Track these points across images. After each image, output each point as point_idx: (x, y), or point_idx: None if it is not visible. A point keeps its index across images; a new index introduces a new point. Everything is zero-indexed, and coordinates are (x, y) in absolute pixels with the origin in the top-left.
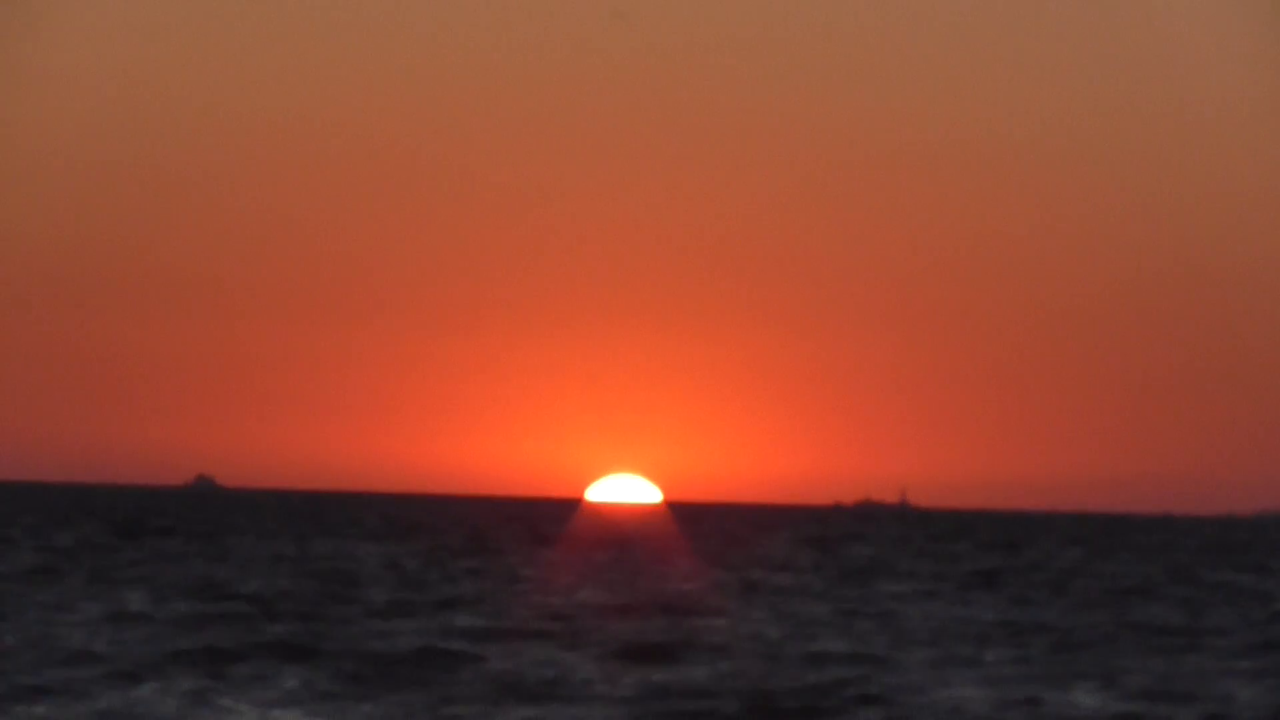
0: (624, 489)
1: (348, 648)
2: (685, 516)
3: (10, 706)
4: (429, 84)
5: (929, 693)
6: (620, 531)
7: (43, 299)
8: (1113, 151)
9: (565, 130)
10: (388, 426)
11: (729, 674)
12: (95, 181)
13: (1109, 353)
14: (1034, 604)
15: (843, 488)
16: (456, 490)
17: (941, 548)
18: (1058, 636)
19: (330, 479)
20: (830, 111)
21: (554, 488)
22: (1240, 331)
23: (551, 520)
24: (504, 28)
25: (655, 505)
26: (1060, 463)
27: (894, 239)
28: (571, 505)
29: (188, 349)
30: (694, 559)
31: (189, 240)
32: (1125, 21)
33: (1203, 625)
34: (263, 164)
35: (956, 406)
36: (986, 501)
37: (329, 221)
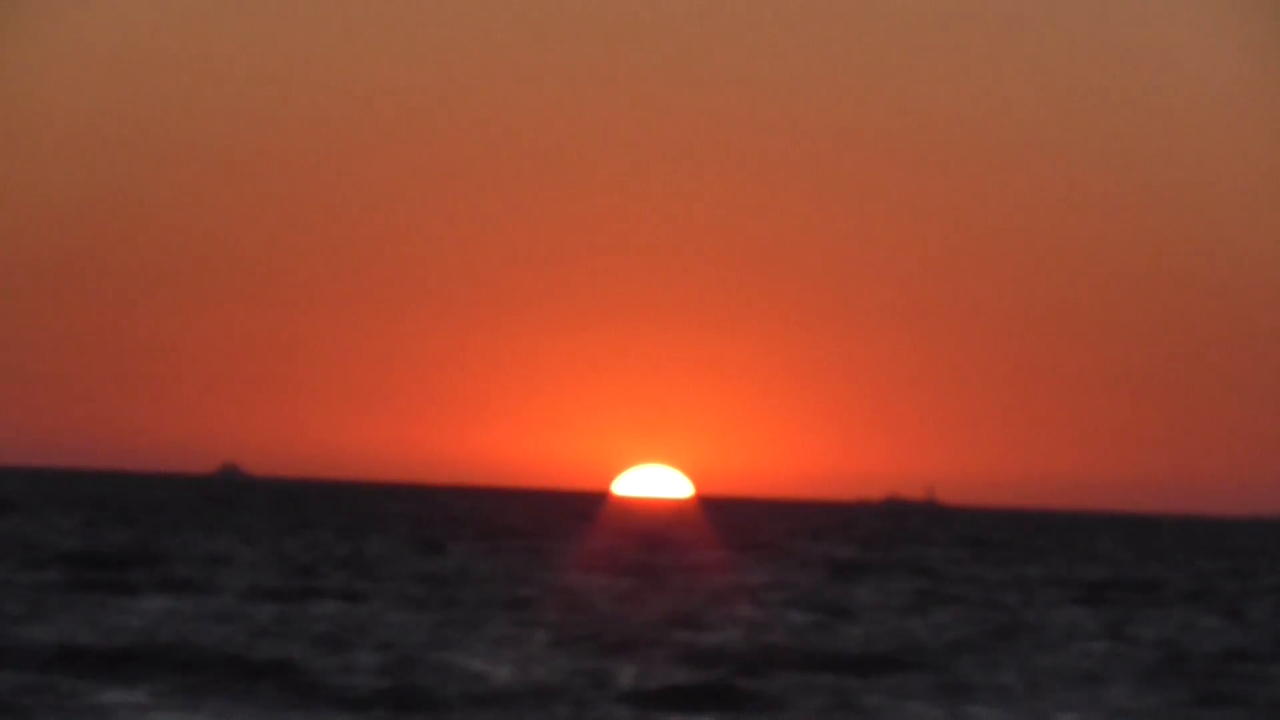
0: (652, 481)
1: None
2: (721, 516)
3: None
4: (463, 76)
5: None
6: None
7: (70, 287)
8: (1136, 148)
9: (599, 126)
10: (415, 417)
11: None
12: (124, 167)
13: (1141, 351)
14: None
15: (870, 484)
16: (481, 482)
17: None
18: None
19: (356, 469)
20: (864, 107)
21: (580, 480)
22: (1274, 331)
23: (578, 517)
24: (539, 23)
25: (686, 499)
26: (1090, 462)
27: (925, 236)
28: (598, 498)
29: (215, 337)
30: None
31: (220, 227)
32: (1129, 21)
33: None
34: (294, 152)
35: (985, 404)
36: (1014, 500)
37: (361, 212)
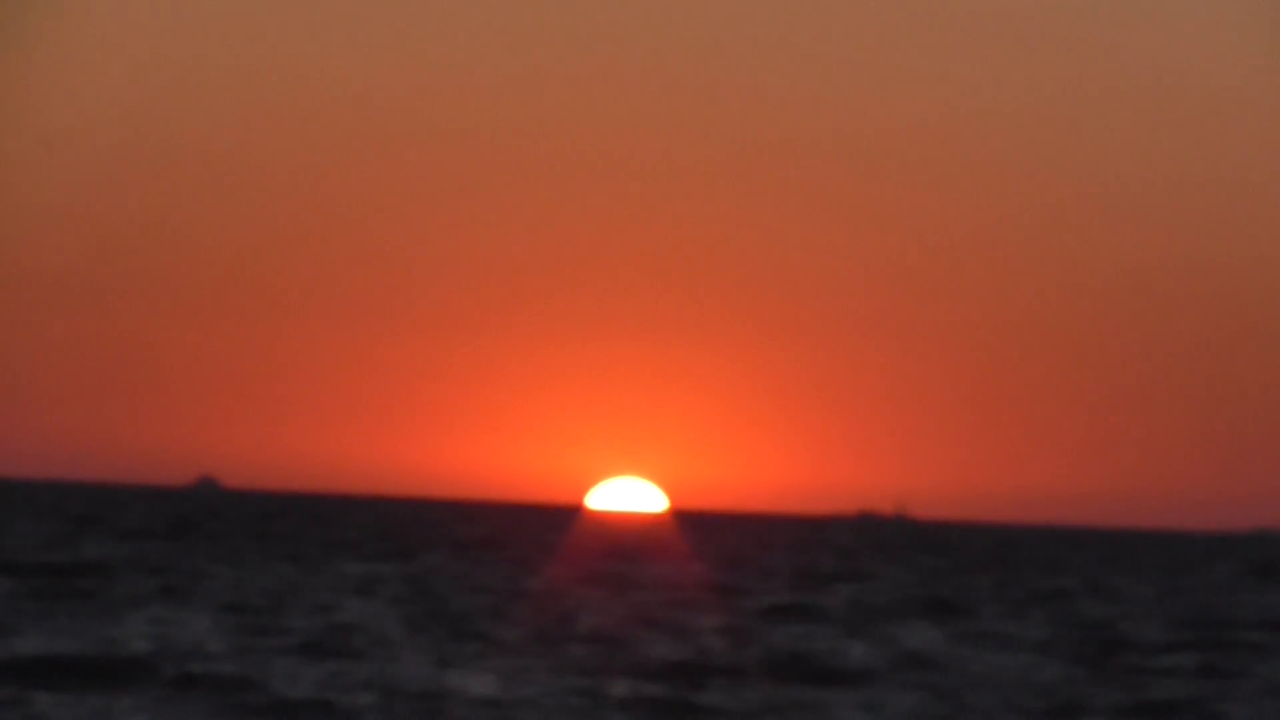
0: (626, 494)
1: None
2: (695, 529)
3: None
4: (443, 92)
5: None
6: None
7: (47, 295)
8: (1104, 163)
9: (572, 139)
10: (389, 430)
11: None
12: (102, 177)
13: (1114, 366)
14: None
15: (841, 498)
16: (455, 495)
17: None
18: None
19: (332, 481)
20: (838, 121)
21: (554, 493)
22: (1253, 342)
23: (552, 530)
24: (520, 39)
25: (660, 513)
26: (1062, 476)
27: (896, 250)
28: (572, 512)
29: (193, 348)
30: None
31: (196, 239)
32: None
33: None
34: (273, 164)
35: (956, 419)
36: (986, 514)
37: (336, 225)
